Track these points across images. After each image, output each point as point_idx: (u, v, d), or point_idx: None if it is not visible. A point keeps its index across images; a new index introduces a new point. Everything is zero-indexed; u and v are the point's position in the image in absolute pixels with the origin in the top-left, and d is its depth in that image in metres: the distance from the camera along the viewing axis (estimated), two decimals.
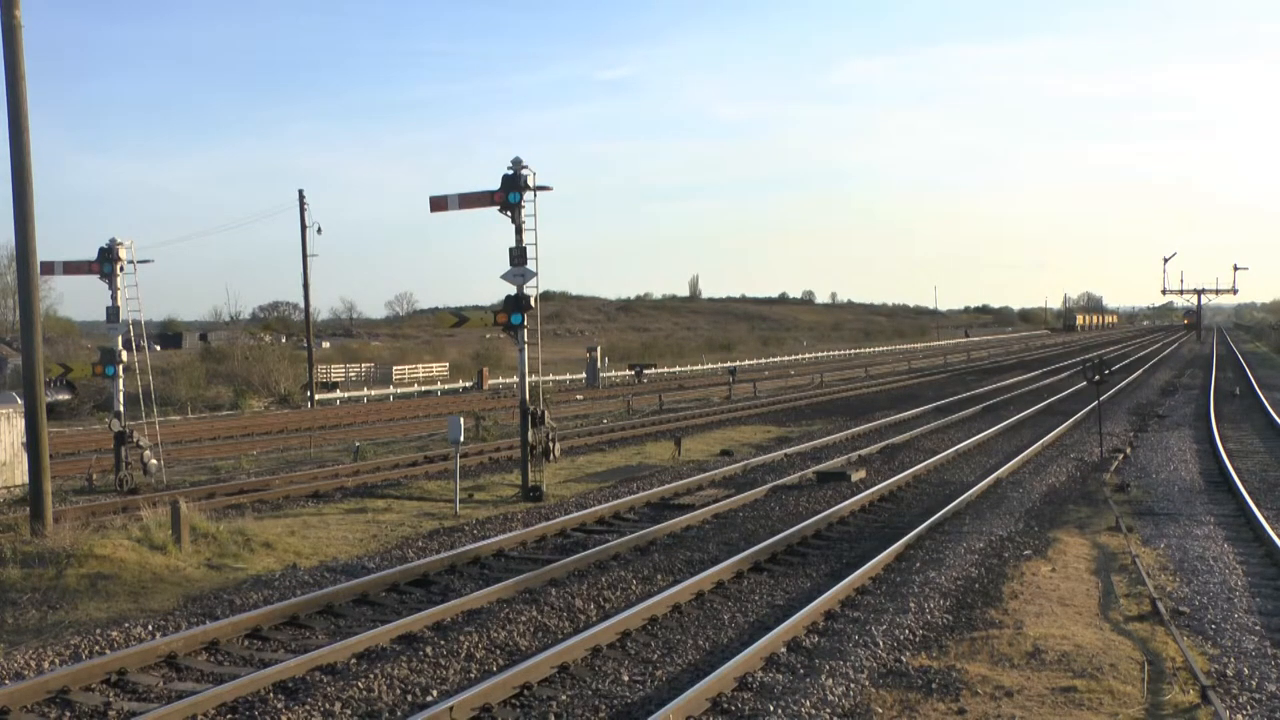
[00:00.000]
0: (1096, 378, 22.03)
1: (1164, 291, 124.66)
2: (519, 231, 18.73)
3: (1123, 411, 33.25)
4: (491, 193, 18.65)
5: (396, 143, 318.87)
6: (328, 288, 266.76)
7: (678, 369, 71.59)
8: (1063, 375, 51.56)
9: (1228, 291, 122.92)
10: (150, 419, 21.67)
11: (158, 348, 67.98)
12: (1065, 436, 26.69)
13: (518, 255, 18.75)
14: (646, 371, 64.68)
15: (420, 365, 70.33)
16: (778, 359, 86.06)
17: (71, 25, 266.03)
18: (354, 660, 9.54)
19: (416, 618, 10.52)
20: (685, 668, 9.36)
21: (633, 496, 17.91)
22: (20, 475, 18.99)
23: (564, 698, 8.57)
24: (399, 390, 57.05)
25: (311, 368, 51.51)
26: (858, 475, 20.17)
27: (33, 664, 9.52)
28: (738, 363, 71.21)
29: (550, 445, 19.49)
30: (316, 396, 49.56)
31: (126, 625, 10.66)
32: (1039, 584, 11.95)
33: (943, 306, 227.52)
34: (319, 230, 51.23)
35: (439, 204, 19.03)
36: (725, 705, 8.32)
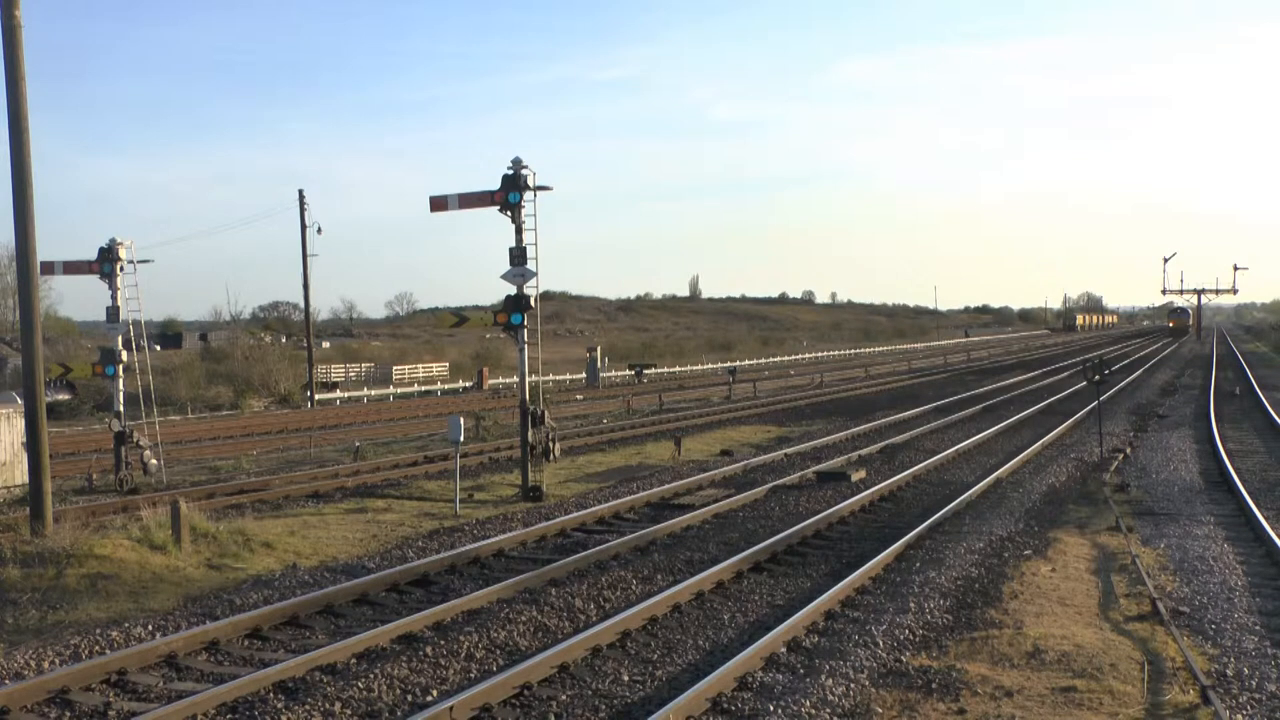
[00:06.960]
0: (1096, 378, 22.03)
1: (1164, 291, 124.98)
2: (519, 231, 18.73)
3: (1123, 411, 33.24)
4: (491, 193, 18.66)
5: (396, 143, 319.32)
6: (328, 288, 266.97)
7: (678, 369, 71.58)
8: (1062, 375, 51.55)
9: (1228, 291, 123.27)
10: (150, 419, 21.67)
11: (158, 348, 67.95)
12: (1065, 436, 26.69)
13: (518, 255, 18.75)
14: (646, 371, 64.67)
15: (420, 365, 70.33)
16: (777, 359, 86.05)
17: (71, 25, 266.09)
18: (354, 660, 9.54)
19: (416, 618, 10.52)
20: (685, 668, 9.37)
21: (633, 496, 17.91)
22: (20, 475, 18.98)
23: (564, 698, 8.57)
24: (399, 390, 57.07)
25: (311, 368, 51.53)
26: (858, 475, 20.17)
27: (33, 664, 9.52)
28: (737, 363, 71.14)
29: (550, 445, 19.49)
30: (316, 396, 49.58)
31: (126, 625, 10.66)
32: (1039, 584, 11.95)
33: (943, 306, 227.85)
34: (319, 230, 51.39)
35: (439, 204, 19.03)
36: (725, 705, 8.32)
